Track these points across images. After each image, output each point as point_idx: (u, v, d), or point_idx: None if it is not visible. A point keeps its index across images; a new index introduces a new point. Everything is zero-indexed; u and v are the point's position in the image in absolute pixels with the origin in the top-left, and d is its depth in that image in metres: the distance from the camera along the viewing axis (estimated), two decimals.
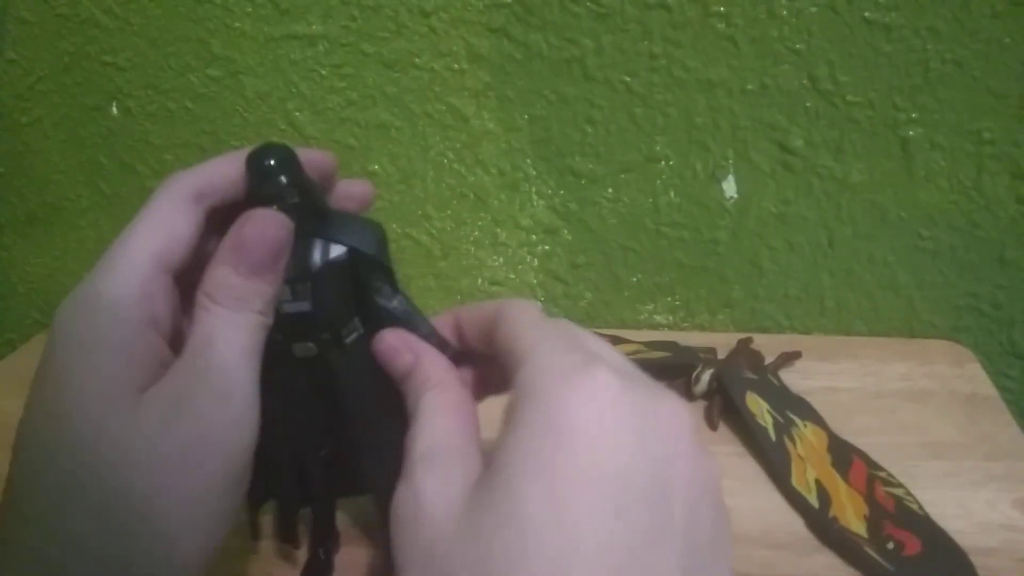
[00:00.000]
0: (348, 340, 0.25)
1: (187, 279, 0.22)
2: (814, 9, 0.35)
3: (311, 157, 0.24)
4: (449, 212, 0.45)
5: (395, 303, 0.24)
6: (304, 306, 0.23)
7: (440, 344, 0.24)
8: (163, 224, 0.22)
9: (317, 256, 0.23)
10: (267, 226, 0.22)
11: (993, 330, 0.42)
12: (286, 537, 0.29)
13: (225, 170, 0.23)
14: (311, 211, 0.23)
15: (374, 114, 0.42)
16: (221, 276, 0.21)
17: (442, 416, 0.21)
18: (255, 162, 0.22)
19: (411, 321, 0.24)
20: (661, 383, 0.41)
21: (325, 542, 0.29)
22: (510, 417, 0.18)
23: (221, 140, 0.45)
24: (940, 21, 0.35)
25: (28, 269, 0.53)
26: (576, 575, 0.15)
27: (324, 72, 0.41)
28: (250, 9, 0.40)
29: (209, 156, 0.43)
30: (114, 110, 0.45)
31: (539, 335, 0.20)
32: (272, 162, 0.22)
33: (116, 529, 0.19)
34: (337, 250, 0.23)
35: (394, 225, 0.46)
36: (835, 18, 0.35)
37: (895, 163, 0.38)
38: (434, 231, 0.45)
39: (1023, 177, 0.38)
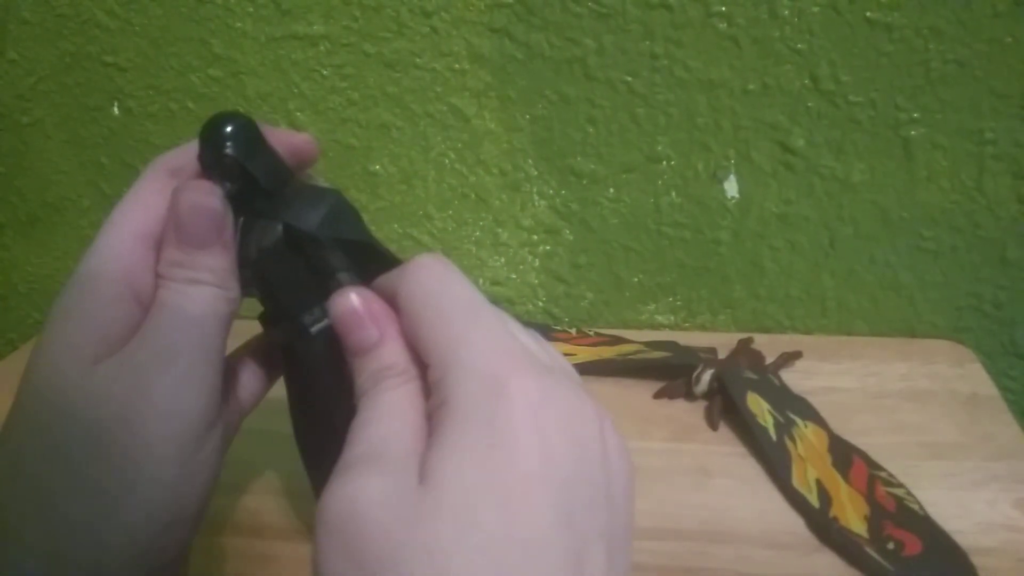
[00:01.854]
0: (313, 329, 0.22)
1: None
2: (816, 9, 0.35)
3: (284, 138, 0.24)
4: (450, 212, 0.45)
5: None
6: (254, 293, 0.23)
7: None
8: (143, 201, 0.23)
9: (254, 241, 0.22)
10: (197, 199, 0.22)
11: (994, 330, 0.42)
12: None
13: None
14: (261, 189, 0.21)
15: (375, 114, 0.42)
16: (168, 254, 0.22)
17: (396, 416, 0.18)
18: (206, 129, 0.21)
19: None
20: (661, 383, 0.41)
21: None
22: (448, 426, 0.17)
23: None
24: (942, 21, 0.35)
25: (29, 269, 0.53)
26: None
27: (325, 72, 0.41)
28: (251, 9, 0.40)
29: None
30: (115, 110, 0.45)
31: (456, 329, 0.18)
32: (224, 130, 0.21)
33: (63, 485, 0.20)
34: (271, 235, 0.21)
35: (395, 225, 0.46)
36: (837, 18, 0.35)
37: (897, 163, 0.38)
38: (435, 231, 0.45)
39: None
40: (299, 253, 0.22)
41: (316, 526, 0.17)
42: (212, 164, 0.21)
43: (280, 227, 0.21)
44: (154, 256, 0.22)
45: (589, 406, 0.18)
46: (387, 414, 0.18)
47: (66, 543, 0.20)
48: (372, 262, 0.21)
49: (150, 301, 0.22)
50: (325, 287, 0.21)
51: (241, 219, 0.22)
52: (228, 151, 0.21)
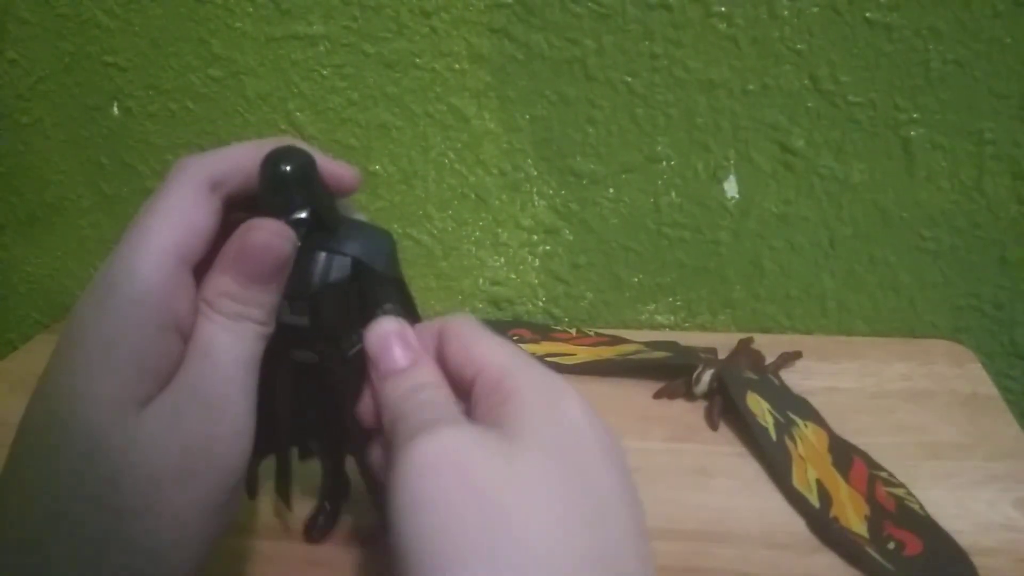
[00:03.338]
0: (350, 353, 0.24)
1: (203, 269, 0.21)
2: (815, 9, 0.35)
3: (333, 170, 0.24)
4: (450, 212, 0.45)
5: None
6: (302, 321, 0.23)
7: None
8: (182, 214, 0.21)
9: (318, 274, 0.22)
10: (272, 239, 0.21)
11: (994, 330, 0.42)
12: (283, 492, 0.29)
13: (242, 159, 0.22)
14: (320, 224, 0.22)
15: (375, 114, 0.42)
16: (222, 284, 0.21)
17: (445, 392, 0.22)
18: (270, 167, 0.21)
19: None
20: (661, 383, 0.41)
21: (333, 493, 0.29)
22: (515, 415, 0.19)
23: (222, 140, 0.45)
24: (941, 21, 0.35)
25: (28, 269, 0.53)
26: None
27: (325, 72, 0.41)
28: (251, 9, 0.40)
29: None
30: (115, 110, 0.45)
31: (503, 353, 0.21)
32: (288, 169, 0.21)
33: (103, 542, 0.19)
34: (340, 269, 0.22)
35: (395, 225, 0.46)
36: (836, 18, 0.35)
37: (896, 163, 0.38)
38: (435, 231, 0.45)
39: None
40: (356, 283, 0.23)
41: (396, 494, 0.17)
42: (278, 200, 0.22)
43: (350, 262, 0.22)
44: (190, 276, 0.21)
45: (608, 427, 0.21)
46: (438, 396, 0.21)
47: None
48: (407, 298, 0.24)
49: (189, 325, 0.20)
50: (367, 317, 0.23)
51: (300, 248, 0.22)
52: (296, 191, 0.21)
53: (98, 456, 0.19)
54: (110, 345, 0.19)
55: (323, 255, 0.22)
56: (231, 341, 0.21)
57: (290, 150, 0.22)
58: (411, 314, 0.24)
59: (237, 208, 0.22)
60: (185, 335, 0.21)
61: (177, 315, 0.20)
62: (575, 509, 0.17)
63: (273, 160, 0.21)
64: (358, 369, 0.23)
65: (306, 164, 0.22)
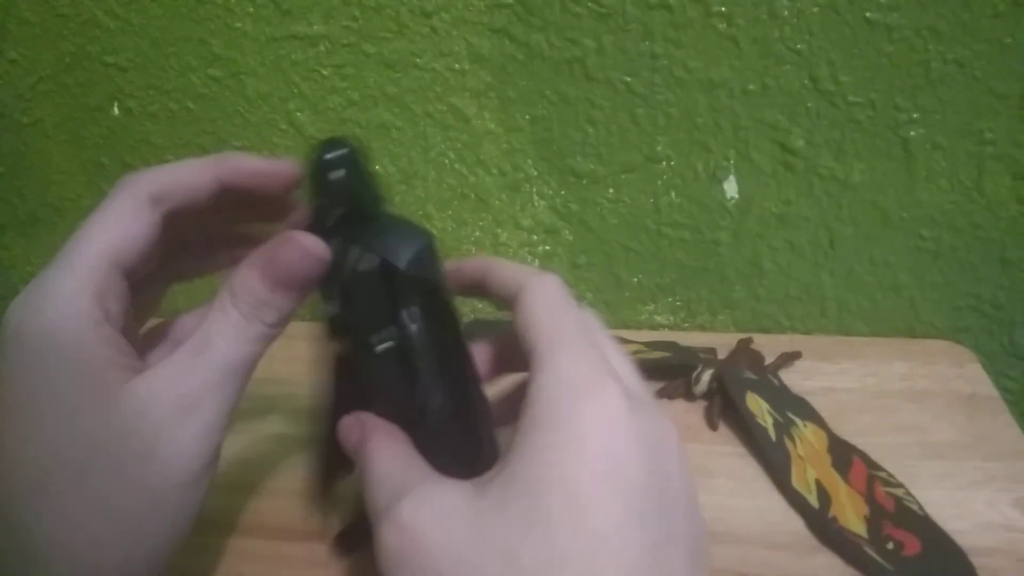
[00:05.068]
0: (378, 349, 0.23)
1: (137, 276, 0.23)
2: (815, 9, 0.35)
3: (264, 169, 0.24)
4: (450, 212, 0.45)
5: (413, 328, 0.23)
6: (333, 308, 0.23)
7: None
8: (118, 224, 0.22)
9: (349, 264, 0.23)
10: (307, 252, 0.22)
11: (994, 331, 0.42)
12: (320, 494, 0.28)
13: (190, 177, 0.23)
14: (360, 216, 0.22)
15: (375, 114, 0.42)
16: (249, 280, 0.22)
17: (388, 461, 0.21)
18: (318, 159, 0.22)
19: (412, 355, 0.23)
20: (661, 383, 0.42)
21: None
22: (526, 427, 0.18)
23: (222, 140, 0.45)
24: (942, 21, 0.35)
25: (29, 269, 0.53)
26: None
27: (325, 72, 0.41)
28: (251, 9, 0.40)
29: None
30: (115, 110, 0.45)
31: (558, 336, 0.20)
32: (336, 157, 0.22)
33: (92, 509, 0.20)
34: (368, 262, 0.23)
35: None
36: (836, 18, 0.35)
37: (896, 163, 0.38)
38: (435, 231, 0.45)
39: None
40: (384, 280, 0.23)
41: (380, 561, 0.18)
42: (321, 187, 0.22)
43: (378, 259, 0.23)
44: (121, 279, 0.22)
45: (668, 426, 0.19)
46: (381, 462, 0.21)
47: (94, 564, 0.20)
48: (440, 301, 0.23)
49: (119, 324, 0.22)
50: (396, 314, 0.23)
51: (336, 239, 0.23)
52: (338, 177, 0.22)
53: (87, 427, 0.20)
54: (53, 336, 0.20)
55: (356, 249, 0.23)
56: (236, 340, 0.21)
57: (337, 140, 0.22)
58: (439, 319, 0.23)
59: (182, 221, 0.23)
60: (116, 332, 0.22)
61: (108, 313, 0.21)
62: (543, 557, 0.16)
63: (322, 146, 0.22)
64: (386, 371, 0.23)
65: (352, 154, 0.22)
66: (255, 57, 0.42)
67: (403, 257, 0.22)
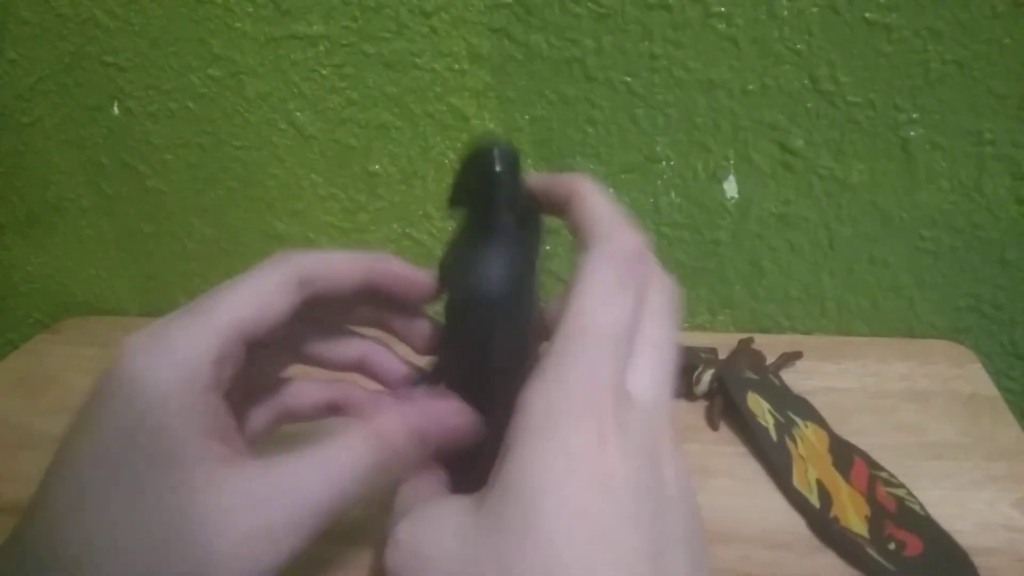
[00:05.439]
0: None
1: (257, 350, 0.22)
2: (815, 10, 0.35)
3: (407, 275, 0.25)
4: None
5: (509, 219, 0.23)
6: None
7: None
8: (260, 295, 0.22)
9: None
10: (455, 425, 0.22)
11: (994, 331, 0.42)
12: None
13: (342, 268, 0.24)
14: (522, 222, 0.23)
15: (375, 114, 0.42)
16: (393, 426, 0.21)
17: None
18: (479, 166, 0.22)
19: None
20: None
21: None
22: (518, 434, 0.18)
23: (222, 140, 0.45)
24: (941, 22, 0.35)
25: (29, 269, 0.53)
26: None
27: (325, 72, 0.41)
28: (251, 9, 0.40)
29: (210, 156, 0.43)
30: (115, 110, 0.45)
31: (578, 331, 0.19)
32: (497, 155, 0.21)
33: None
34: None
35: (395, 225, 0.46)
36: (836, 19, 0.35)
37: (896, 164, 0.38)
38: (435, 231, 0.45)
39: None
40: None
41: None
42: (498, 203, 0.22)
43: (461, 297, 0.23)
44: (243, 353, 0.21)
45: (664, 429, 0.19)
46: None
47: None
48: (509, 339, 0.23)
49: (225, 389, 0.21)
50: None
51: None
52: (500, 173, 0.22)
53: (179, 505, 0.19)
54: (169, 396, 0.19)
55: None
56: (343, 471, 0.21)
57: (496, 141, 0.22)
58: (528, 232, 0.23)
59: (317, 306, 0.23)
60: (221, 399, 0.21)
61: (220, 380, 0.21)
62: (539, 565, 0.16)
63: (481, 155, 0.22)
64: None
65: (514, 157, 0.22)
66: (255, 57, 0.42)
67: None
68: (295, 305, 0.22)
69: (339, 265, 0.24)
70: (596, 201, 0.21)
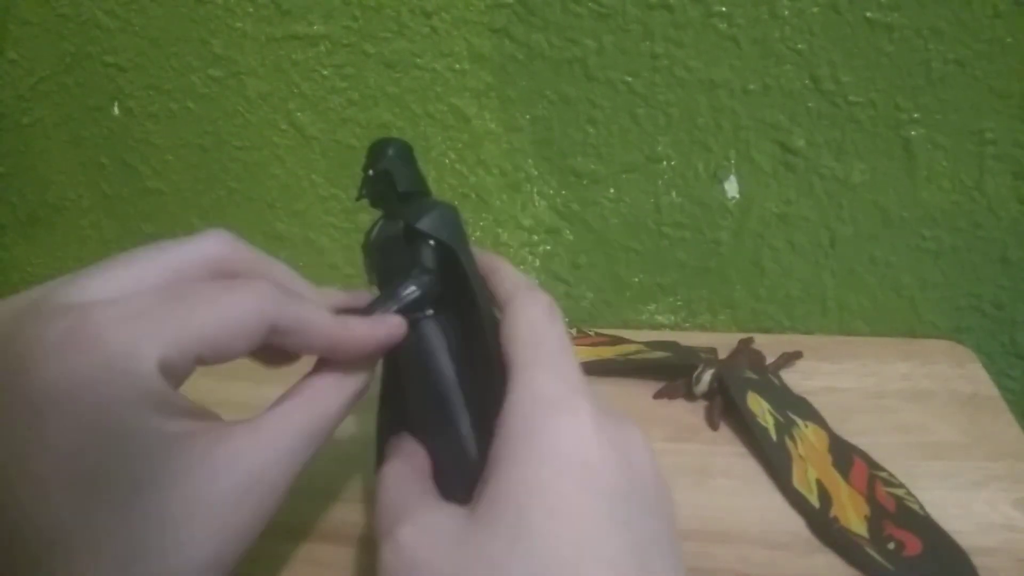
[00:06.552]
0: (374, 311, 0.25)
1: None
2: (816, 9, 0.35)
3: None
4: None
5: (425, 279, 0.25)
6: (372, 278, 0.27)
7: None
8: (226, 329, 0.21)
9: (384, 231, 0.26)
10: (388, 334, 0.24)
11: (995, 331, 0.42)
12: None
13: (312, 335, 0.23)
14: (398, 194, 0.26)
15: (376, 114, 0.42)
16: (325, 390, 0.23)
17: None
18: (372, 148, 0.26)
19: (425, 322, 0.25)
20: (662, 383, 0.41)
21: None
22: (503, 442, 0.19)
23: (223, 140, 0.45)
24: (942, 21, 0.35)
25: (29, 269, 0.53)
26: None
27: (326, 72, 0.41)
28: (251, 9, 0.40)
29: (210, 156, 0.43)
30: (115, 110, 0.45)
31: (534, 354, 0.21)
32: (382, 148, 0.26)
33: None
34: (395, 227, 0.25)
35: None
36: (837, 18, 0.35)
37: (897, 163, 0.38)
38: None
39: None
40: (409, 246, 0.25)
41: None
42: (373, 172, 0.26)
43: (402, 224, 0.25)
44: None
45: (639, 433, 0.20)
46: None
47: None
48: (458, 264, 0.25)
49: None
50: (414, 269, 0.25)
51: (382, 216, 0.27)
52: (382, 165, 0.25)
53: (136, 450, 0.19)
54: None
55: (392, 219, 0.26)
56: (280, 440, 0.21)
57: (388, 138, 0.26)
58: (456, 280, 0.25)
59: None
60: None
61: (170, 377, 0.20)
62: (531, 567, 0.16)
63: (375, 142, 0.26)
64: (410, 338, 0.25)
65: (400, 146, 0.26)
66: (255, 57, 0.42)
67: (418, 219, 0.25)
68: (255, 347, 0.22)
69: (311, 330, 0.23)
70: (508, 272, 0.25)
